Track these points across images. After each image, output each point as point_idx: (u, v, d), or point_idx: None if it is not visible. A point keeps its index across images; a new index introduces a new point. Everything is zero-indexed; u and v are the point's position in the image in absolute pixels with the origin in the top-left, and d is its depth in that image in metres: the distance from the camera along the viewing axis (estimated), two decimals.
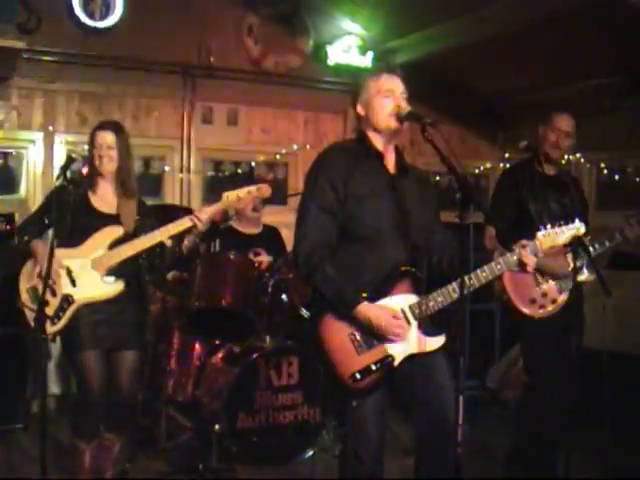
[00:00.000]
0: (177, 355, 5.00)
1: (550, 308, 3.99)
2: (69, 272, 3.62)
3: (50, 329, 3.53)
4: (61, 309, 3.58)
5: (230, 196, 3.78)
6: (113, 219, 3.73)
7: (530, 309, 4.00)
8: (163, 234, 3.71)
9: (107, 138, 3.71)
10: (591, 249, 3.80)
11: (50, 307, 3.53)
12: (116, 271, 3.67)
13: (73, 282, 3.62)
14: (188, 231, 3.81)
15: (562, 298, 3.99)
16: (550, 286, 3.98)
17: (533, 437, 4.06)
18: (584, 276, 3.99)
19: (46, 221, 3.74)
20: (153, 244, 3.72)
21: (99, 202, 3.76)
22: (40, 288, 3.44)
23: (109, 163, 3.72)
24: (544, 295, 3.99)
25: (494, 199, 4.34)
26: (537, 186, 4.12)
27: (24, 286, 3.67)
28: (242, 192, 3.78)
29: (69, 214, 3.55)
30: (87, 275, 3.63)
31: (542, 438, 4.04)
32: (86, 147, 3.87)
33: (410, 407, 3.03)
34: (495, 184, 4.46)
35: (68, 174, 3.51)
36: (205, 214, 3.74)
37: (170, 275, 5.22)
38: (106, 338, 3.64)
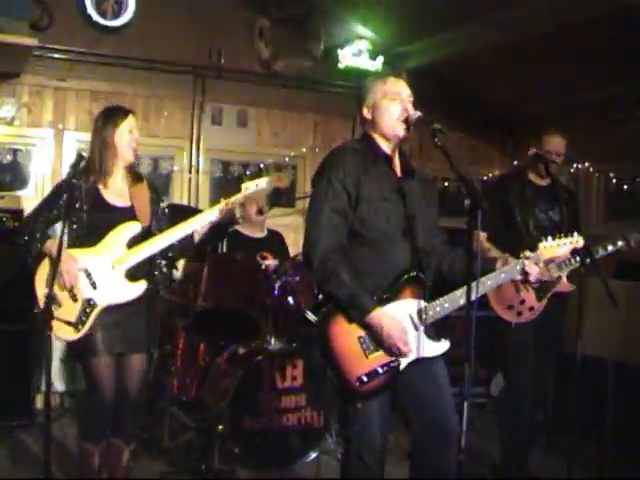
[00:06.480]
0: (182, 355, 5.00)
1: (527, 315, 4.10)
2: (88, 274, 3.40)
3: (73, 335, 3.34)
4: (84, 314, 3.36)
5: (249, 187, 3.63)
6: (128, 213, 3.52)
7: (507, 315, 4.12)
8: (179, 232, 3.52)
9: (134, 123, 3.55)
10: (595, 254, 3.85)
11: (71, 313, 3.35)
12: (134, 271, 3.47)
13: (93, 285, 3.40)
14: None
15: (539, 306, 4.10)
16: (529, 294, 4.08)
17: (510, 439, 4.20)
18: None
19: (54, 214, 3.43)
20: (171, 242, 3.54)
21: (112, 196, 3.52)
22: (59, 294, 3.33)
23: (134, 150, 3.56)
24: (522, 302, 4.10)
25: None
26: (526, 196, 4.21)
27: (42, 292, 3.35)
28: (261, 181, 3.65)
29: (82, 211, 3.40)
30: (108, 276, 3.41)
31: (517, 440, 4.18)
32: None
33: (408, 411, 3.03)
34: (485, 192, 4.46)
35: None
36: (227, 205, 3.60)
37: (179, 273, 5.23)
38: (120, 342, 3.46)
